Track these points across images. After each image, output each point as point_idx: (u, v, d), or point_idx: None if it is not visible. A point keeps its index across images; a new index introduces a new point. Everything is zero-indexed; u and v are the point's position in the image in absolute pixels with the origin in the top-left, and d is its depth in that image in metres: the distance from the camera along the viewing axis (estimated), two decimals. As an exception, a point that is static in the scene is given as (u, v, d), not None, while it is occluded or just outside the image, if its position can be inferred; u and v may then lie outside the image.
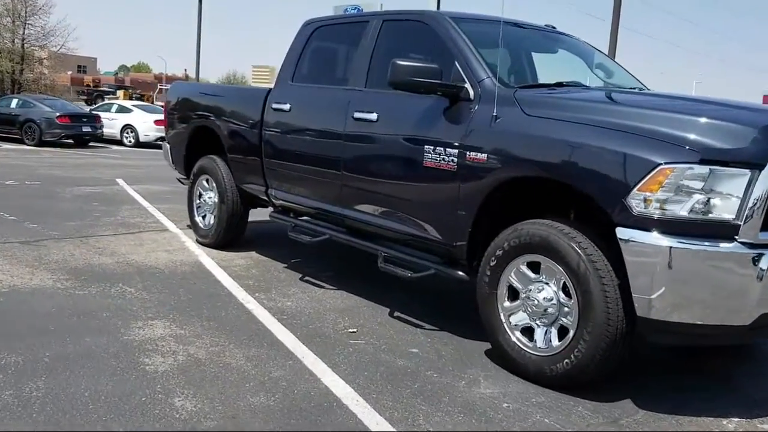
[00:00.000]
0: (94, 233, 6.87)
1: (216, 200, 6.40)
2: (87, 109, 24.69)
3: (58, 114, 19.22)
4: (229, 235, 6.38)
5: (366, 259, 6.05)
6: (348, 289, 5.25)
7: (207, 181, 6.55)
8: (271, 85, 5.87)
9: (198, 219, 6.70)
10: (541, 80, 4.80)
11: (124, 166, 14.86)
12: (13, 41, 33.18)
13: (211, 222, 6.50)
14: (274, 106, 5.49)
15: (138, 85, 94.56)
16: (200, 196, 6.68)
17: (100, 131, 20.34)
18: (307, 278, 5.56)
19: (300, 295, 5.06)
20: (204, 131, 6.57)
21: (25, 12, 33.10)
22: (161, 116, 22.34)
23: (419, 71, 3.98)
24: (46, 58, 35.45)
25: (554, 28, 5.26)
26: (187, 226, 7.44)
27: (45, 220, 7.41)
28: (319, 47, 5.51)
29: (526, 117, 3.68)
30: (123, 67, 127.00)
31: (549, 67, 5.09)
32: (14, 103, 20.29)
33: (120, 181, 11.60)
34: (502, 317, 3.75)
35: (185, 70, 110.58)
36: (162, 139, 21.40)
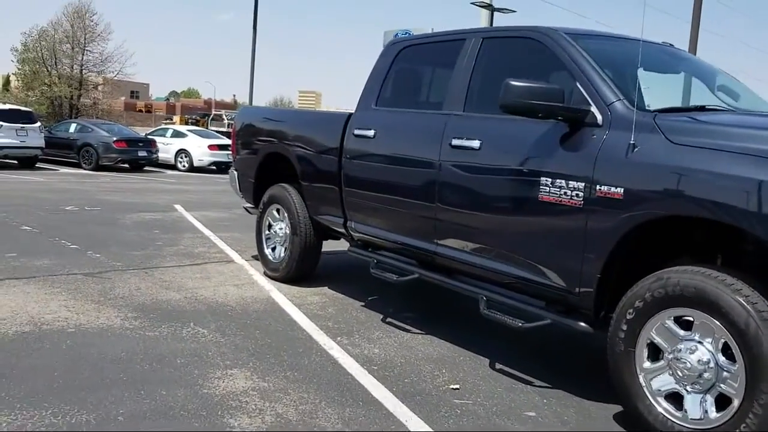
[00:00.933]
0: (158, 264, 6.54)
1: (287, 232, 6.00)
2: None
3: (115, 139, 19.36)
4: (301, 269, 5.96)
5: (450, 299, 5.57)
6: (437, 334, 4.74)
7: (278, 211, 6.16)
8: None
9: (267, 251, 6.29)
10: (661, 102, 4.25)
11: (180, 191, 14.72)
12: (72, 67, 33.95)
13: (282, 255, 6.09)
14: (357, 132, 5.07)
15: (188, 111, 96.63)
16: (270, 226, 6.29)
17: (155, 156, 20.40)
18: (389, 320, 5.08)
19: (386, 341, 4.57)
20: (275, 158, 6.20)
21: (84, 38, 33.87)
22: (215, 141, 22.63)
23: (537, 93, 3.50)
24: (101, 84, 36.02)
25: (672, 45, 4.73)
26: (253, 257, 7.09)
27: (107, 249, 7.12)
28: (407, 69, 5.08)
29: (674, 146, 3.15)
30: (173, 93, 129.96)
31: (665, 88, 4.55)
32: (72, 127, 20.54)
33: (178, 207, 11.37)
34: (642, 380, 3.20)
35: (234, 95, 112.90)
36: (215, 164, 21.66)
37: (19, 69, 35.49)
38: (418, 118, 4.71)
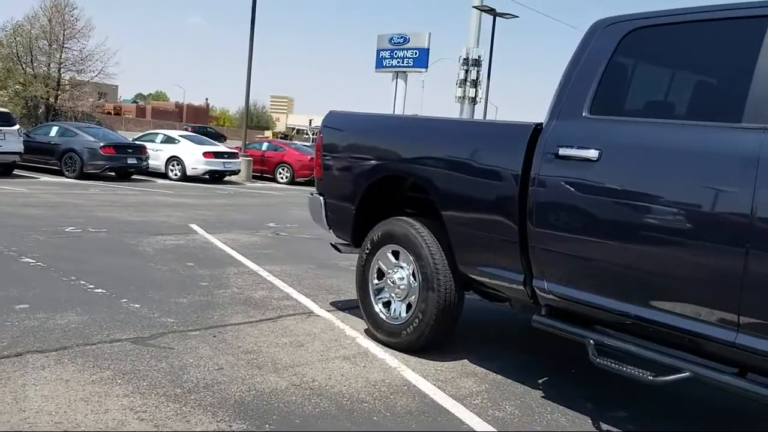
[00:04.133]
0: (222, 320, 4.84)
1: (412, 283, 4.37)
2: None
3: (102, 144, 17.37)
4: (436, 336, 4.31)
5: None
6: (699, 457, 3.17)
7: (395, 254, 4.52)
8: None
9: (378, 308, 4.62)
10: None
11: (185, 205, 12.91)
12: (49, 65, 31.34)
13: (403, 314, 4.45)
14: (563, 152, 3.46)
15: (159, 114, 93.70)
16: (381, 275, 4.63)
17: (145, 163, 18.47)
18: (606, 428, 3.47)
19: (645, 476, 2.98)
20: (393, 182, 4.58)
21: (63, 35, 31.30)
22: (210, 148, 20.67)
23: None
24: (69, 84, 32.96)
25: None
26: (332, 304, 5.54)
27: (143, 293, 5.40)
28: (643, 60, 3.51)
29: None
30: (140, 95, 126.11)
31: None
32: (54, 131, 18.43)
33: (195, 227, 9.62)
34: None
35: (207, 99, 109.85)
36: (209, 173, 19.77)
37: (-9, 66, 32.75)
38: (691, 134, 3.10)
